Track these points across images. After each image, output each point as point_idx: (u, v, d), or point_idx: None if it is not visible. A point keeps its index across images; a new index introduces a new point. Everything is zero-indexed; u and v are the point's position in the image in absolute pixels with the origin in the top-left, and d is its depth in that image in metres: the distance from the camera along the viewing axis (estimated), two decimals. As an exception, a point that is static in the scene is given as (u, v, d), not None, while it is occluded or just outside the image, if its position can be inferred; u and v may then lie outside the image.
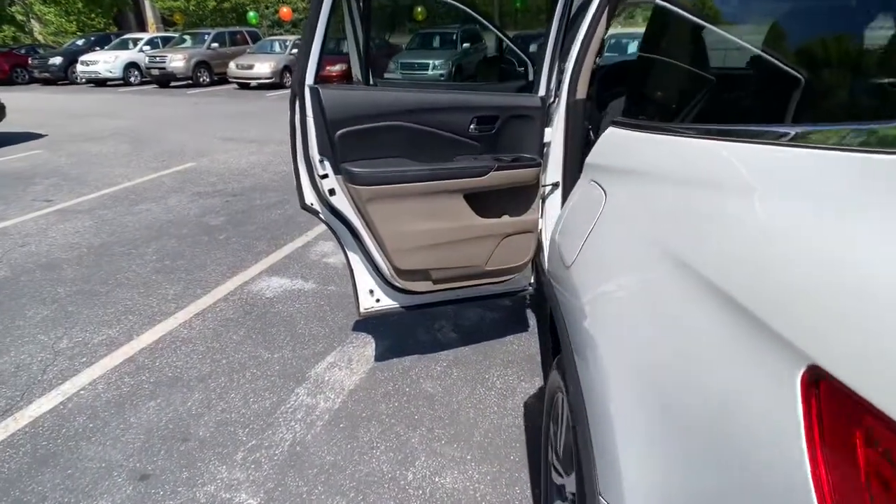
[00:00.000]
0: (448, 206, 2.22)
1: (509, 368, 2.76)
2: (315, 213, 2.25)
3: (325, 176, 2.10)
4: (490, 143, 2.31)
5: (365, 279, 2.42)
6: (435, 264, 2.35)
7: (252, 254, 4.19)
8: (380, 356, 2.87)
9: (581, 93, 2.38)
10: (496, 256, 2.45)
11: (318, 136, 2.02)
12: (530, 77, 3.88)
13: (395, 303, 2.51)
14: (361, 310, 2.45)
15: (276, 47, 16.32)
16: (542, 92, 2.39)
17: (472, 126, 2.23)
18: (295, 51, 15.93)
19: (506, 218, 2.42)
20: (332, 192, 2.13)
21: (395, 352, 2.90)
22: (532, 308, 3.32)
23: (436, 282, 2.43)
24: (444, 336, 3.04)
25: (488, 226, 2.35)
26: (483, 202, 2.30)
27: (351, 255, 2.37)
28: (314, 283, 3.69)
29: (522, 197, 2.45)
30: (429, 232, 2.24)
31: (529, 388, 2.61)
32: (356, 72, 3.08)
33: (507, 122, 2.28)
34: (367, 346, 2.98)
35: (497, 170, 2.23)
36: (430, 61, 12.12)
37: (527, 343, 2.98)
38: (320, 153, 2.05)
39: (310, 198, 2.20)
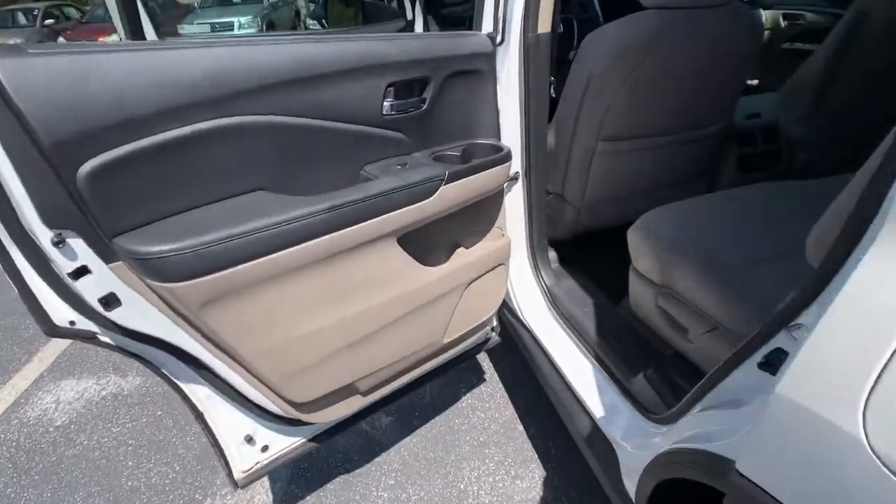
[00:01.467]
0: (370, 266, 1.16)
1: (486, 458, 1.82)
2: (85, 337, 1.03)
3: (83, 271, 0.89)
4: (419, 129, 1.27)
5: (233, 426, 1.26)
6: (359, 371, 1.28)
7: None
8: (281, 501, 1.75)
9: (544, 24, 1.41)
10: (459, 317, 1.44)
11: (27, 182, 0.80)
12: (410, 15, 2.79)
13: (296, 440, 1.40)
14: (239, 476, 1.30)
15: (21, 19, 12.70)
16: (487, 27, 1.36)
17: (386, 103, 1.16)
18: (50, 21, 12.52)
19: (466, 254, 1.41)
20: (107, 301, 0.94)
21: (304, 484, 1.79)
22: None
23: (366, 393, 1.37)
24: (374, 428, 1.99)
25: (443, 278, 1.33)
26: (426, 236, 1.27)
27: (192, 391, 1.20)
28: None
29: (485, 211, 1.44)
30: (341, 325, 1.16)
31: (530, 484, 1.71)
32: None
33: (445, 88, 1.25)
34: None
35: (450, 181, 1.19)
36: (235, 19, 10.11)
37: (492, 404, 2.05)
38: (49, 223, 0.84)
39: (63, 312, 0.98)
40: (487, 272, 1.46)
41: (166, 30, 2.17)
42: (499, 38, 1.40)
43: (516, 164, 1.53)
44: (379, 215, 1.10)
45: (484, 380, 2.19)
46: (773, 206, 1.43)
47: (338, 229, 1.04)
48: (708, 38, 1.51)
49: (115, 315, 0.97)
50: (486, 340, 1.79)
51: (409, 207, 1.14)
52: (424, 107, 1.24)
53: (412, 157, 1.26)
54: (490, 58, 1.33)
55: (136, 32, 1.53)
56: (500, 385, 2.15)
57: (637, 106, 1.58)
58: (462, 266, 1.38)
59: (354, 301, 1.16)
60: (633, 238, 1.44)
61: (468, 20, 2.36)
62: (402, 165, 1.21)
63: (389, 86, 1.16)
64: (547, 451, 1.83)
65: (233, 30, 10.14)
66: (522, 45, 1.41)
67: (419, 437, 1.92)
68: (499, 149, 1.35)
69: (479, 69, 1.31)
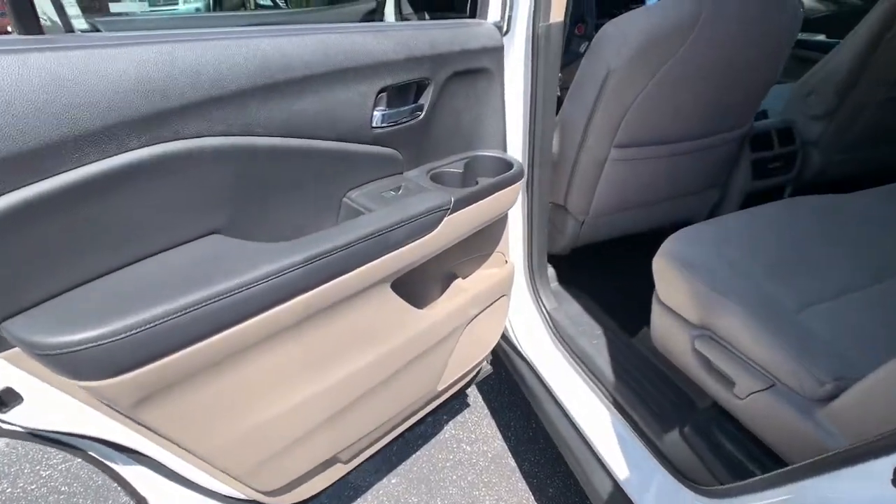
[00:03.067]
0: (357, 320, 0.93)
1: (476, 502, 1.63)
2: None
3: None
4: (414, 143, 1.03)
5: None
6: (342, 442, 1.06)
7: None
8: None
9: (557, 12, 1.19)
10: (455, 360, 1.22)
11: None
12: None
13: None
14: None
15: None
16: (494, 15, 1.12)
17: (377, 113, 0.91)
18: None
19: (466, 287, 1.19)
20: (1, 400, 0.67)
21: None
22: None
23: (347, 461, 1.14)
24: (349, 469, 1.76)
25: (441, 321, 1.10)
26: (420, 271, 1.04)
27: (131, 475, 0.94)
28: None
29: (487, 235, 1.22)
30: (320, 397, 0.94)
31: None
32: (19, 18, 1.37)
33: (445, 91, 1.01)
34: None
35: (456, 209, 0.95)
36: (181, -15, 9.32)
37: (479, 435, 1.86)
38: None
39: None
40: (489, 305, 1.24)
41: (94, 4, 1.80)
42: (504, 28, 1.15)
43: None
44: (370, 260, 0.85)
45: (468, 405, 1.98)
46: (817, 229, 1.26)
47: (318, 285, 0.79)
48: (754, 23, 1.29)
49: (14, 416, 0.70)
50: (479, 369, 1.58)
51: (408, 246, 0.90)
52: (422, 115, 0.99)
53: (406, 179, 1.02)
54: (499, 54, 1.09)
55: (27, 23, 1.19)
56: (487, 410, 1.95)
57: (661, 107, 1.37)
58: (462, 304, 1.15)
59: (337, 366, 0.92)
60: (662, 267, 1.24)
61: (453, 2, 2.08)
62: (396, 190, 0.96)
63: (381, 91, 0.90)
64: (543, 492, 1.65)
65: (176, 5, 9.36)
66: (531, 36, 1.17)
67: (399, 477, 1.71)
68: (508, 164, 1.11)
69: (487, 68, 1.07)
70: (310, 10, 2.68)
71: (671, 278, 1.22)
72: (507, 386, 2.03)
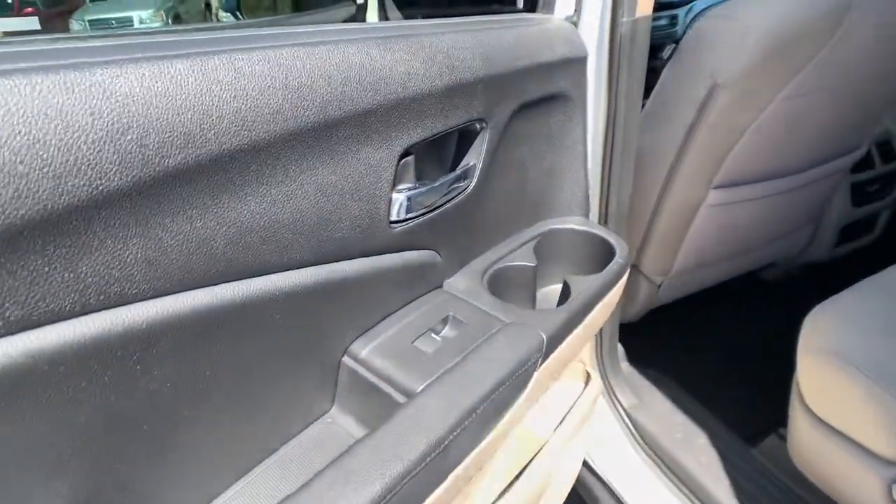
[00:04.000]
0: None
1: None
2: None
3: None
4: (459, 229, 0.57)
5: None
6: None
7: None
8: None
9: (646, 3, 0.75)
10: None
11: None
12: None
13: None
14: None
15: None
16: (566, 7, 0.68)
17: (399, 195, 0.45)
18: None
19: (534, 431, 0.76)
20: None
21: None
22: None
23: None
24: None
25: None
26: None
27: None
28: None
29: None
30: None
31: None
32: None
33: (508, 134, 0.56)
34: None
35: (550, 350, 0.50)
36: (134, 13, 8.89)
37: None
38: None
39: None
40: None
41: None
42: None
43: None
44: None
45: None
46: None
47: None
48: None
49: None
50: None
51: (477, 449, 0.47)
52: (472, 184, 0.56)
53: (451, 298, 0.59)
54: (581, 68, 0.67)
55: None
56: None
57: (783, 133, 0.97)
58: (537, 467, 0.71)
59: None
60: (819, 369, 0.84)
61: None
62: (438, 330, 0.53)
63: (406, 155, 0.47)
64: None
65: (132, 25, 8.94)
66: (609, 37, 0.76)
67: None
68: (604, 243, 0.69)
69: (565, 93, 0.65)
70: (272, 18, 2.20)
71: (837, 385, 0.82)
72: None
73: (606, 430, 1.14)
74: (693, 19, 2.14)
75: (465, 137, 0.58)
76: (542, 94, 0.61)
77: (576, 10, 0.72)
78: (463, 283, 0.61)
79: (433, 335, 0.53)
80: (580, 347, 0.66)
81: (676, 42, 2.05)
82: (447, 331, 0.54)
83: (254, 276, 0.41)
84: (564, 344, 0.57)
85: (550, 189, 0.72)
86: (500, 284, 0.64)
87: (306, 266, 0.43)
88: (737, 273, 1.38)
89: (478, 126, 0.56)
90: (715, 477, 1.02)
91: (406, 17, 1.62)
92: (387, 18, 1.97)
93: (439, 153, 0.57)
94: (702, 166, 1.00)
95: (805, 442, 0.93)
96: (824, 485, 0.90)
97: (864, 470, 0.81)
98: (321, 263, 0.45)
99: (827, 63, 0.88)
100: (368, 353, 0.51)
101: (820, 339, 0.87)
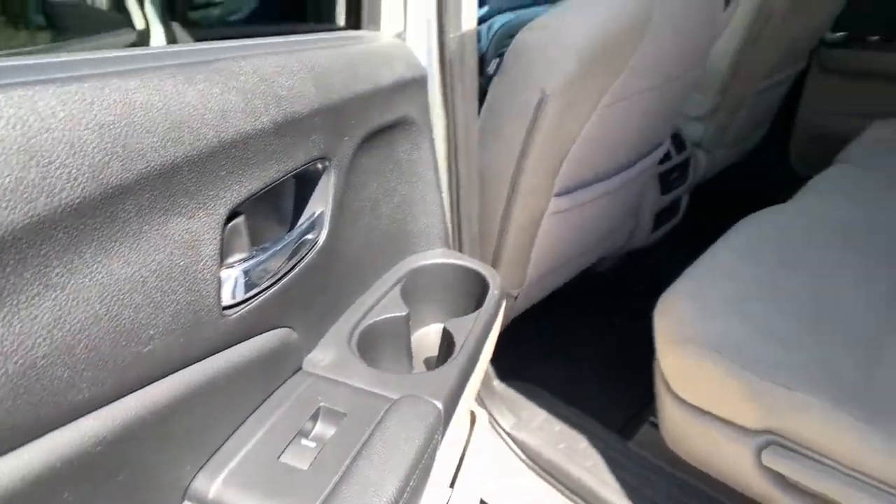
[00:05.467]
0: None
1: None
2: None
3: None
4: (313, 291, 0.47)
5: None
6: None
7: None
8: None
9: (469, 16, 0.74)
10: None
11: None
12: (140, 22, 1.70)
13: None
14: None
15: None
16: (394, 22, 0.62)
17: (229, 271, 0.33)
18: None
19: None
20: None
21: None
22: None
23: None
24: None
25: None
26: None
27: None
28: None
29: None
30: None
31: None
32: None
33: (356, 170, 0.48)
34: None
35: (447, 420, 0.43)
36: None
37: None
38: None
39: None
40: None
41: None
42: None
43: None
44: None
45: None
46: (811, 254, 1.07)
47: None
48: (699, 16, 1.01)
49: None
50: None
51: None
52: (323, 237, 0.46)
53: (316, 381, 0.47)
54: (423, 89, 0.60)
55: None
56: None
57: (610, 135, 1.02)
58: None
59: None
60: (680, 359, 0.89)
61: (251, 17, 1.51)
62: (309, 433, 0.42)
63: (232, 218, 0.35)
64: None
65: None
66: (440, 53, 0.71)
67: None
68: (477, 276, 0.63)
69: (410, 117, 0.58)
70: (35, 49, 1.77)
71: (700, 369, 0.88)
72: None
73: (495, 458, 1.10)
74: (496, 34, 2.25)
75: (306, 182, 0.47)
76: (386, 120, 0.53)
77: (404, 27, 0.65)
78: (328, 355, 0.50)
79: (304, 440, 0.41)
80: (473, 396, 0.60)
81: (484, 57, 2.14)
82: (321, 429, 0.43)
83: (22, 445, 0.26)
84: (461, 403, 0.49)
85: (407, 223, 0.65)
86: (372, 345, 0.55)
87: (106, 404, 0.29)
88: (580, 271, 1.45)
89: (320, 166, 0.46)
90: (601, 480, 1.03)
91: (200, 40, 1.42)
92: (174, 40, 1.73)
93: (277, 206, 0.45)
94: (541, 177, 1.01)
95: (676, 426, 0.97)
96: (700, 463, 0.95)
97: (735, 443, 0.86)
98: (127, 394, 0.31)
99: (638, 69, 0.93)
100: (219, 488, 0.37)
101: (675, 328, 0.92)
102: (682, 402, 0.93)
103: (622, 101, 0.96)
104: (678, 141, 1.63)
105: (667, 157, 1.58)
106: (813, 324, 0.91)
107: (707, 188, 2.00)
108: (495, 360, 1.22)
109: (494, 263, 1.16)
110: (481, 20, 2.33)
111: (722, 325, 0.89)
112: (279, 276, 0.42)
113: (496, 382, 1.22)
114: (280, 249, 0.42)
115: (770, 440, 0.84)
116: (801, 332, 0.90)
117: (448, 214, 0.85)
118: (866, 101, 1.91)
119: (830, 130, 1.98)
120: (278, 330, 0.44)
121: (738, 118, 1.71)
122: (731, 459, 0.89)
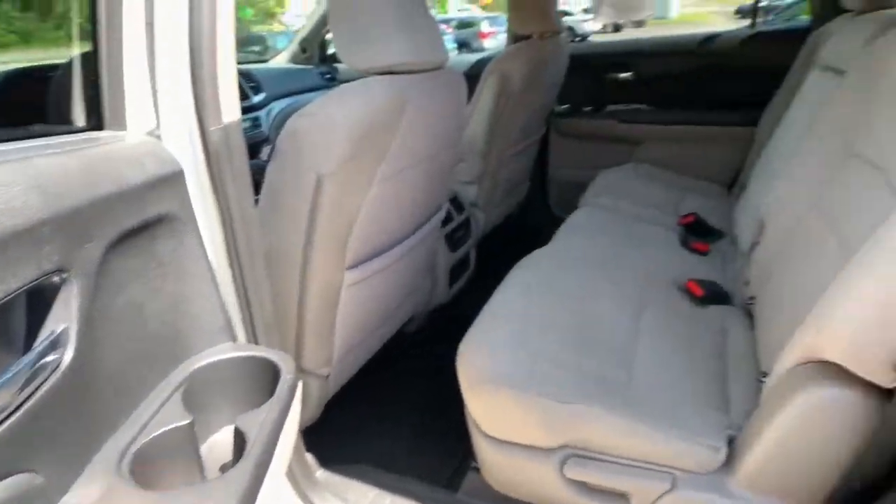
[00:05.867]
0: None
1: None
2: None
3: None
4: (64, 416, 0.43)
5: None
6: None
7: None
8: None
9: (230, 107, 0.81)
10: None
11: None
12: None
13: None
14: None
15: None
16: (145, 120, 0.62)
17: None
18: None
19: None
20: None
21: None
22: None
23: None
24: None
25: None
26: None
27: None
28: None
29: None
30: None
31: None
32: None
33: (106, 276, 0.47)
34: None
35: None
36: None
37: None
38: None
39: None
40: None
41: None
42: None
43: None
44: None
45: None
46: (571, 282, 1.26)
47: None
48: (446, 109, 1.15)
49: None
50: None
51: None
52: (69, 355, 0.42)
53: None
54: (180, 183, 0.59)
55: None
56: None
57: (391, 206, 1.09)
58: None
59: None
60: (481, 397, 0.97)
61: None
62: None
63: None
64: None
65: None
66: (204, 146, 0.71)
67: None
68: (268, 364, 0.62)
69: (169, 214, 0.56)
70: None
71: (500, 405, 0.96)
72: None
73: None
74: (276, 119, 2.29)
75: (41, 298, 0.42)
76: (139, 220, 0.51)
77: (157, 125, 0.64)
78: (92, 490, 0.44)
79: None
80: (280, 490, 0.56)
81: (266, 141, 2.16)
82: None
83: None
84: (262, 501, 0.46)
85: (182, 323, 0.61)
86: (152, 465, 0.49)
87: None
88: (388, 337, 1.48)
89: (57, 279, 0.42)
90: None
91: None
92: None
93: (4, 329, 0.39)
94: (331, 253, 1.03)
95: (493, 465, 1.03)
96: (522, 494, 1.01)
97: (541, 465, 0.94)
98: None
99: (402, 147, 1.03)
100: None
101: (473, 372, 1.00)
102: (493, 439, 1.00)
103: (394, 176, 1.04)
104: (457, 203, 1.81)
105: (449, 218, 1.73)
106: (582, 344, 1.06)
107: (491, 239, 2.24)
108: (314, 448, 1.17)
109: (297, 345, 1.13)
110: (261, 106, 2.37)
111: (511, 361, 0.99)
112: (8, 411, 0.35)
113: (319, 472, 1.16)
114: (10, 378, 0.36)
115: (568, 454, 0.94)
116: (574, 352, 1.04)
117: (236, 304, 0.81)
118: (594, 156, 2.36)
119: (574, 180, 2.38)
120: (17, 477, 0.37)
121: (502, 179, 1.97)
122: (541, 482, 0.97)
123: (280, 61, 2.86)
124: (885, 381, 0.70)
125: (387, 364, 1.59)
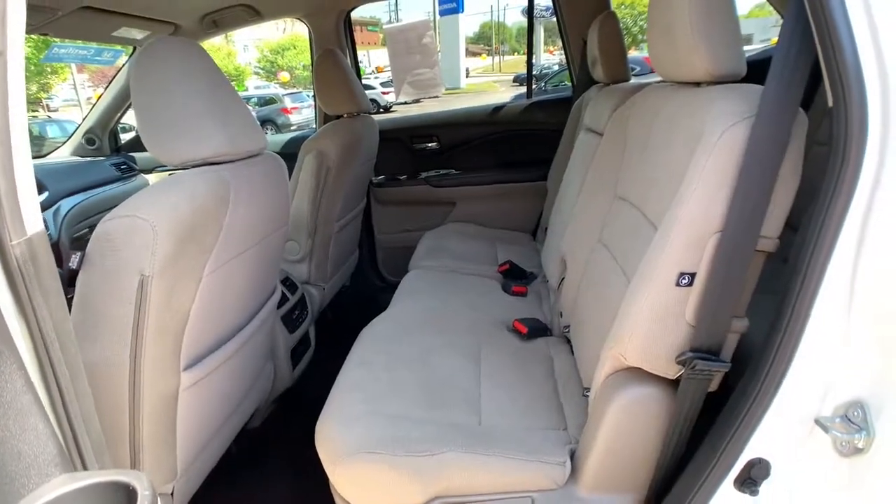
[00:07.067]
0: None
1: None
2: None
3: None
4: None
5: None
6: None
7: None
8: None
9: (32, 220, 0.80)
10: None
11: None
12: None
13: None
14: None
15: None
16: None
17: None
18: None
19: None
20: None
21: None
22: None
23: None
24: None
25: None
26: None
27: None
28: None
29: None
30: None
31: None
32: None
33: None
34: None
35: None
36: None
37: None
38: None
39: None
40: None
41: None
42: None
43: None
44: None
45: None
46: (404, 342, 1.33)
47: None
48: (270, 190, 1.16)
49: None
50: None
51: None
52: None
53: None
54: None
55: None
56: None
57: (221, 297, 1.05)
58: None
59: None
60: (351, 471, 0.97)
61: None
62: None
63: None
64: None
65: None
66: (2, 264, 0.65)
67: None
68: (121, 488, 0.56)
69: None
70: None
71: (366, 474, 0.97)
72: None
73: None
74: (66, 219, 2.05)
75: None
76: None
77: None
78: None
79: None
80: None
81: (66, 240, 1.92)
82: None
83: None
84: None
85: (7, 464, 0.52)
86: None
87: None
88: (237, 432, 1.38)
89: None
90: None
91: None
92: None
93: None
94: (163, 358, 0.96)
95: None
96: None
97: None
98: None
99: (231, 236, 1.02)
100: None
101: (332, 449, 0.99)
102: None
103: (224, 266, 1.02)
104: (289, 283, 1.79)
105: (284, 299, 1.70)
106: (433, 398, 1.12)
107: (328, 313, 2.23)
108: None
109: (133, 464, 1.01)
110: (45, 206, 2.08)
111: (365, 430, 1.00)
112: None
113: None
114: None
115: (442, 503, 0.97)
116: (425, 406, 1.09)
117: (59, 431, 0.72)
118: (414, 219, 2.52)
119: (400, 244, 2.51)
120: None
121: (331, 253, 1.99)
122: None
123: (61, 155, 2.57)
124: (670, 374, 0.88)
125: (236, 467, 1.48)
